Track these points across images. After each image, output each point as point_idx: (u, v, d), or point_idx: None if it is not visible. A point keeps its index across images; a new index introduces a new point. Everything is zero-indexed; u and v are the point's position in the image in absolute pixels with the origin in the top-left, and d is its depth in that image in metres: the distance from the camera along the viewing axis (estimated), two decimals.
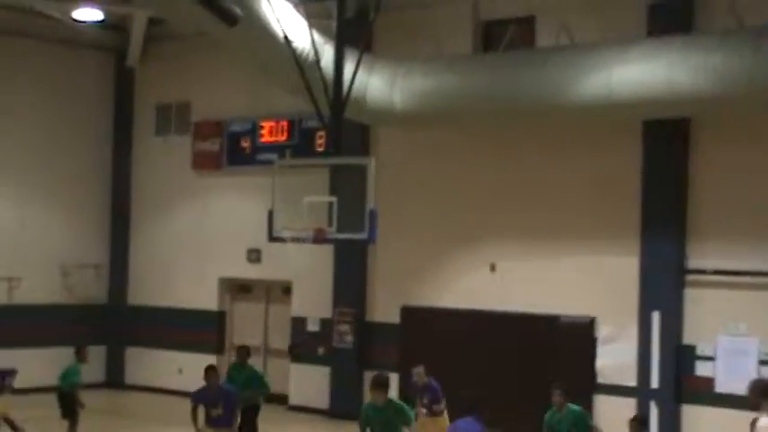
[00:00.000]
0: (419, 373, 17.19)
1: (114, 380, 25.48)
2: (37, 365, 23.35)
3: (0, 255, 23.74)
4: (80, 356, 18.32)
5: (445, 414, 16.69)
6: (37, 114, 24.63)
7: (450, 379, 20.26)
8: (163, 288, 25.14)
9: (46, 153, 24.71)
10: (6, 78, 24.32)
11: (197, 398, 15.65)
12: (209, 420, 15.35)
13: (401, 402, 13.64)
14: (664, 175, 18.24)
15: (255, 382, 17.44)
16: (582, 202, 19.24)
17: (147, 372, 25.16)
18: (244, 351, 17.99)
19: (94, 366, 25.01)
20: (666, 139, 18.22)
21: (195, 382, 23.78)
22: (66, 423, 17.79)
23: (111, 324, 25.58)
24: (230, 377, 17.45)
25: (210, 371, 15.83)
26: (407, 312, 21.25)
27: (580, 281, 19.19)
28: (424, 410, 16.84)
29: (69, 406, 17.80)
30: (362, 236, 17.62)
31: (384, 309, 21.67)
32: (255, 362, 23.72)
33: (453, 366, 20.36)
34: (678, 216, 18.16)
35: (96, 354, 25.02)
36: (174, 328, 24.69)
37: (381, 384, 13.38)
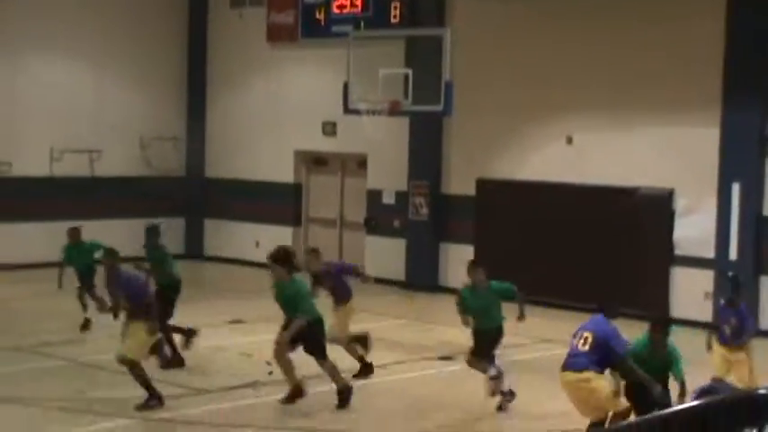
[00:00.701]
0: (309, 259, 14.33)
1: (193, 251, 25.89)
2: (117, 236, 23.81)
3: (80, 128, 24.01)
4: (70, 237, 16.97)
5: (351, 303, 14.42)
6: None
7: (526, 252, 20.32)
8: (239, 161, 25.31)
9: (121, 26, 24.72)
10: None
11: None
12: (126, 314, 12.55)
13: (301, 282, 12.27)
14: (748, 43, 17.77)
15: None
16: (661, 71, 18.86)
17: (225, 243, 25.52)
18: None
19: (174, 238, 25.48)
20: (752, 5, 17.70)
21: None
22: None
23: (190, 196, 25.89)
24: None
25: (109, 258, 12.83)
26: (483, 185, 21.19)
27: (658, 152, 18.93)
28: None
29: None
30: (438, 108, 17.56)
31: (460, 181, 21.64)
32: (331, 234, 24.04)
33: (529, 239, 20.38)
34: (762, 85, 17.75)
35: (175, 225, 25.45)
36: (250, 200, 24.93)
37: (273, 259, 12.03)
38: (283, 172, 24.58)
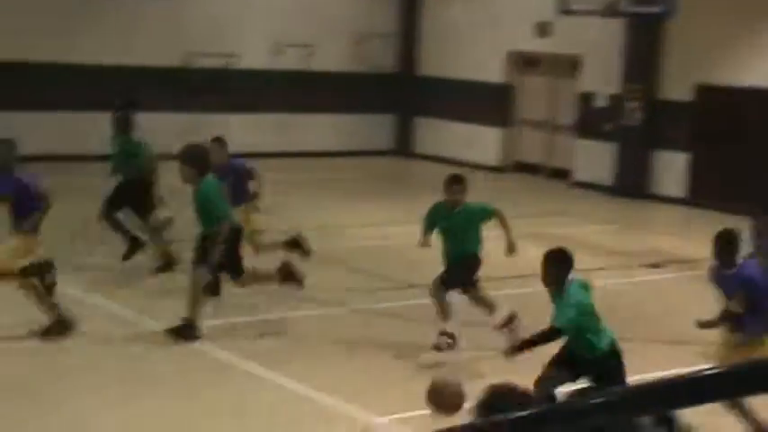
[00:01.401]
0: (212, 148, 12.13)
1: (403, 148, 26.09)
2: (329, 131, 24.27)
3: (298, 23, 24.34)
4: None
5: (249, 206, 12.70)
6: None
7: (745, 164, 19.60)
8: (451, 59, 25.20)
9: None
10: None
11: None
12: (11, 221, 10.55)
13: (211, 184, 10.67)
14: None
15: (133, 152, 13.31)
16: None
17: (434, 142, 25.58)
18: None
19: (384, 134, 25.74)
20: None
21: (483, 154, 24.20)
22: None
23: (401, 93, 25.98)
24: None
25: None
26: (702, 90, 20.45)
27: None
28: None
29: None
30: (659, 9, 16.96)
31: (676, 86, 20.95)
32: (542, 136, 23.81)
33: (750, 150, 19.62)
34: None
35: (386, 122, 25.69)
36: (461, 99, 24.84)
37: (180, 158, 10.46)
38: (495, 72, 24.36)
